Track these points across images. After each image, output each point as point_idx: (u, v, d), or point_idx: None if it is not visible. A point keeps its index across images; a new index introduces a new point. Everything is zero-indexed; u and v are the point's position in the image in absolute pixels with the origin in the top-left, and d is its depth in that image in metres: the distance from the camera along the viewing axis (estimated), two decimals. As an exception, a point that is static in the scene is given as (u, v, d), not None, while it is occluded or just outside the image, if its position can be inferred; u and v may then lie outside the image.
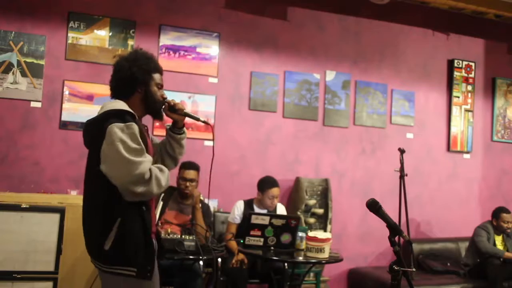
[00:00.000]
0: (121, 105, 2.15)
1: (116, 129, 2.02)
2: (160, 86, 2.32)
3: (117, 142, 2.01)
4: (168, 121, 2.45)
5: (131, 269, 2.04)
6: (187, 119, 2.43)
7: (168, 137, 2.43)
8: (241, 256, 3.91)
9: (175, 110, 2.34)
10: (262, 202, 4.23)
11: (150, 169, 2.06)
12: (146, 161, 2.05)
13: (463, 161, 5.89)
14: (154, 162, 2.30)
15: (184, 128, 2.44)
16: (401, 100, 5.62)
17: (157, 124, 4.50)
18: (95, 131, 2.11)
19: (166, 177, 2.13)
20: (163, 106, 2.32)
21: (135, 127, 2.06)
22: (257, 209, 4.21)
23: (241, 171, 4.68)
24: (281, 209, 4.36)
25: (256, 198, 4.30)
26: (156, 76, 2.30)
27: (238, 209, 4.24)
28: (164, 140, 2.46)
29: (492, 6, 5.47)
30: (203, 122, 2.45)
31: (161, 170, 2.14)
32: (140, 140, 2.07)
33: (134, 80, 2.23)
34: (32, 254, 3.57)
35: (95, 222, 2.13)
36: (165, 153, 2.44)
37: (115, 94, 2.28)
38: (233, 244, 4.00)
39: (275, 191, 4.21)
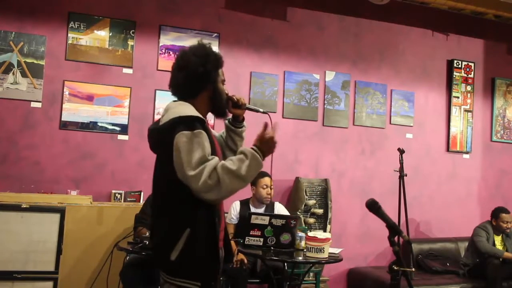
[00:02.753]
0: (189, 110, 2.02)
1: (184, 138, 1.92)
2: (224, 82, 2.23)
3: (184, 151, 1.92)
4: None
5: (196, 283, 1.95)
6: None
7: (229, 131, 2.34)
8: (240, 256, 3.91)
9: (239, 106, 2.26)
10: (257, 196, 4.24)
11: (215, 170, 1.92)
12: (206, 166, 1.91)
13: (463, 161, 5.90)
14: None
15: (244, 122, 2.38)
16: (400, 100, 5.63)
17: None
18: (165, 139, 1.98)
19: (248, 162, 1.96)
20: (228, 103, 2.24)
21: (203, 135, 1.96)
22: (253, 209, 4.22)
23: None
24: (279, 208, 4.37)
25: (252, 197, 4.31)
26: (221, 71, 2.20)
27: (235, 209, 4.24)
28: (224, 134, 2.38)
29: (491, 7, 5.48)
30: (264, 112, 2.37)
31: (237, 160, 1.99)
32: (207, 146, 1.96)
33: (207, 77, 2.11)
34: (32, 254, 3.58)
35: (164, 230, 2.01)
36: (226, 147, 2.36)
37: (181, 92, 2.14)
38: (232, 244, 4.00)
39: (266, 180, 4.20)
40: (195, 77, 2.09)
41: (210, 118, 2.30)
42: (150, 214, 2.21)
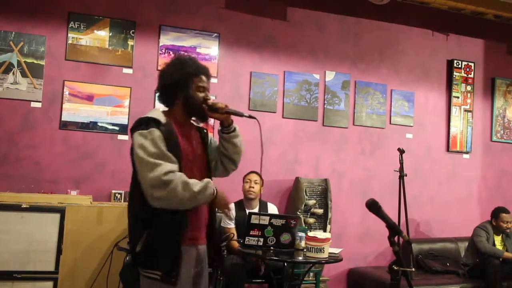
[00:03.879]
0: (153, 112, 2.22)
1: (139, 136, 2.10)
2: (202, 89, 2.30)
3: (137, 148, 2.08)
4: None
5: (157, 273, 2.11)
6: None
7: (220, 139, 2.43)
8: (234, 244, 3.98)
9: (215, 109, 2.31)
10: (243, 191, 4.32)
11: (173, 173, 2.05)
12: (163, 165, 2.04)
13: (463, 161, 5.90)
14: (214, 165, 2.40)
15: (235, 126, 2.41)
16: (400, 100, 5.63)
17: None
18: (132, 138, 2.19)
19: (203, 184, 2.11)
20: (205, 108, 2.31)
21: (155, 133, 2.09)
22: (247, 210, 4.22)
23: (241, 171, 4.67)
24: (272, 209, 4.37)
25: (243, 197, 4.34)
26: (197, 79, 2.29)
27: (230, 213, 4.25)
28: (219, 142, 2.45)
29: (491, 7, 5.48)
30: (248, 116, 2.41)
31: (194, 181, 2.11)
32: (162, 145, 2.09)
33: (175, 86, 2.26)
34: (32, 254, 3.58)
35: (132, 224, 2.22)
36: (221, 154, 2.43)
37: (161, 100, 2.34)
38: (234, 244, 4.01)
39: (251, 175, 4.32)
40: (165, 86, 2.29)
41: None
42: None
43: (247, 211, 4.16)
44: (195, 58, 2.37)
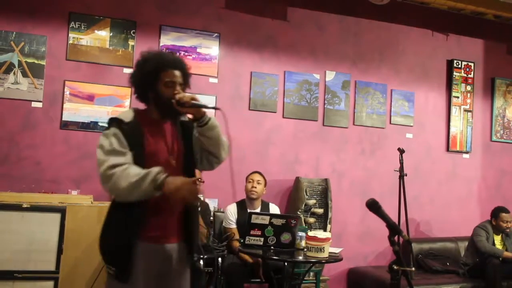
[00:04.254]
0: (122, 112, 2.26)
1: (101, 137, 2.16)
2: (171, 83, 2.23)
3: (98, 147, 2.14)
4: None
5: (112, 268, 2.14)
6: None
7: (198, 133, 2.33)
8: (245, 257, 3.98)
9: (182, 104, 2.21)
10: (245, 191, 4.31)
11: (117, 166, 2.05)
12: (109, 159, 2.07)
13: (463, 161, 5.90)
14: (199, 158, 2.34)
15: (208, 119, 2.26)
16: (400, 100, 5.63)
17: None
18: None
19: (144, 174, 2.02)
20: (174, 104, 2.22)
21: (112, 132, 2.14)
22: (249, 210, 4.23)
23: (241, 171, 4.68)
24: (274, 210, 4.38)
25: (246, 197, 4.34)
26: (165, 74, 2.22)
27: (232, 213, 4.25)
28: (197, 137, 2.36)
29: (491, 7, 5.49)
30: (213, 108, 2.33)
31: (138, 171, 2.06)
32: (118, 143, 2.11)
33: (142, 85, 2.25)
34: (33, 254, 3.58)
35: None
36: (202, 150, 2.35)
37: (138, 99, 2.32)
38: (236, 244, 4.02)
39: (253, 175, 4.33)
40: (136, 86, 2.28)
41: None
42: None
43: (249, 211, 4.17)
44: (163, 53, 2.34)
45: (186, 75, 2.32)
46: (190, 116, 2.28)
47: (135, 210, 2.11)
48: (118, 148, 2.11)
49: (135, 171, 2.04)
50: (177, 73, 2.25)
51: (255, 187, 4.25)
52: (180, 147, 2.31)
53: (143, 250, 2.14)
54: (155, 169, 2.04)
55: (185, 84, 2.32)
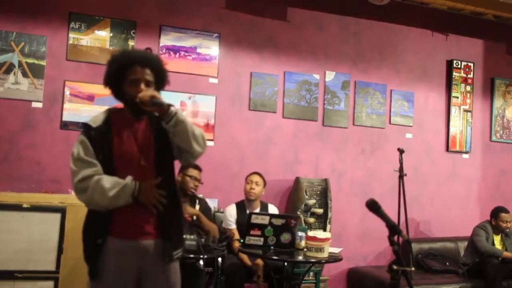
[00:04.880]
0: (93, 116, 2.26)
1: (75, 143, 2.21)
2: (136, 82, 2.15)
3: (71, 153, 2.19)
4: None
5: (88, 265, 2.24)
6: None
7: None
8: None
9: (143, 103, 2.13)
10: (244, 192, 4.29)
11: (90, 179, 2.12)
12: (80, 172, 2.12)
13: (462, 161, 5.91)
14: (176, 153, 2.28)
15: (173, 114, 2.12)
16: (400, 100, 5.64)
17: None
18: None
19: (119, 188, 2.11)
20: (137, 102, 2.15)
21: (79, 138, 2.18)
22: (248, 211, 4.23)
23: (241, 171, 4.69)
24: (273, 211, 4.38)
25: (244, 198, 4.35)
26: (129, 72, 2.16)
27: (231, 214, 4.26)
28: None
29: (490, 7, 5.49)
30: (168, 105, 2.14)
31: (119, 181, 2.13)
32: (84, 150, 2.15)
33: (110, 85, 2.24)
34: (33, 254, 3.58)
35: None
36: (176, 147, 2.27)
37: (117, 100, 2.31)
38: (236, 244, 4.02)
39: (252, 176, 4.31)
40: (106, 85, 2.26)
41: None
42: None
43: (249, 211, 4.18)
44: (131, 50, 2.36)
45: (158, 71, 2.23)
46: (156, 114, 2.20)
47: (94, 214, 2.22)
48: (85, 158, 2.14)
49: (108, 184, 2.10)
50: (144, 70, 2.17)
51: (254, 189, 4.25)
52: (152, 145, 2.25)
53: (116, 247, 2.18)
54: (128, 182, 2.14)
55: (159, 82, 2.24)
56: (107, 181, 2.11)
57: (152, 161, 2.25)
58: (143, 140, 2.25)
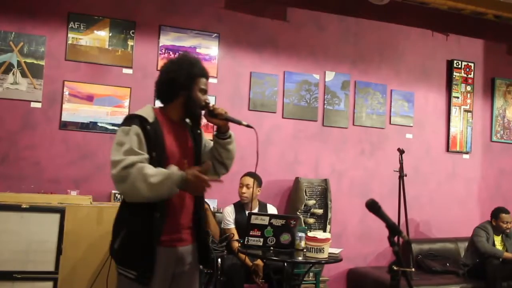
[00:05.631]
0: (142, 110, 2.20)
1: (119, 132, 2.12)
2: (204, 91, 2.30)
3: (115, 143, 2.11)
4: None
5: (132, 272, 2.11)
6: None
7: (215, 143, 2.41)
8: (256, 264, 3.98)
9: (214, 115, 2.30)
10: (238, 194, 4.27)
11: (132, 166, 2.01)
12: (126, 159, 2.02)
13: (463, 162, 5.90)
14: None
15: (230, 132, 2.39)
16: (400, 101, 5.63)
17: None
18: None
19: (163, 175, 2.00)
20: (204, 112, 2.31)
21: (135, 130, 2.08)
22: (246, 211, 4.22)
23: (241, 171, 4.67)
24: (272, 210, 4.37)
25: None
26: (201, 80, 2.28)
27: (229, 214, 4.25)
28: (212, 146, 2.43)
29: (491, 7, 5.48)
30: (246, 125, 2.37)
31: (157, 170, 2.03)
32: (138, 143, 2.08)
33: (177, 84, 2.24)
34: (32, 254, 3.57)
35: (114, 222, 2.26)
36: (214, 158, 2.41)
37: (158, 96, 2.32)
38: (235, 244, 4.01)
39: (245, 179, 4.27)
40: (169, 83, 2.26)
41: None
42: None
43: (246, 212, 4.17)
44: (198, 59, 2.36)
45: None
46: (215, 127, 2.36)
47: (154, 214, 2.11)
48: (136, 150, 2.07)
49: (152, 171, 2.01)
50: (207, 82, 2.34)
51: (245, 192, 4.22)
52: (192, 151, 2.34)
53: (161, 253, 2.15)
54: (174, 169, 2.04)
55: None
56: (150, 168, 2.02)
57: (192, 166, 2.28)
58: (186, 144, 2.31)
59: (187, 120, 2.36)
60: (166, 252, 2.17)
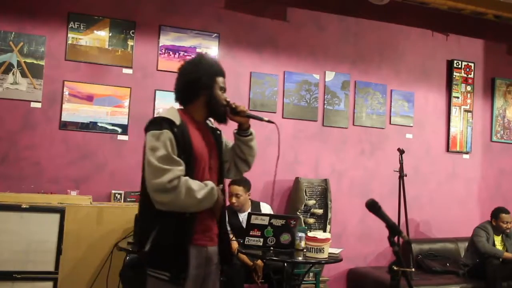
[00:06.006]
0: (167, 112, 2.18)
1: (151, 137, 2.08)
2: (224, 90, 2.33)
3: (147, 149, 2.07)
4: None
5: (165, 274, 2.09)
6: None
7: (236, 141, 2.43)
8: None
9: (237, 112, 2.34)
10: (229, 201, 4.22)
11: (179, 179, 2.03)
12: (169, 171, 2.02)
13: (463, 162, 5.90)
14: (227, 167, 2.41)
15: (251, 130, 2.44)
16: (400, 101, 5.63)
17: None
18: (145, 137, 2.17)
19: (207, 191, 2.11)
20: (226, 109, 2.33)
21: (167, 135, 2.07)
22: (241, 215, 4.20)
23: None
24: (265, 208, 4.35)
25: None
26: (220, 79, 2.31)
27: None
28: (234, 144, 2.45)
29: (491, 7, 5.48)
30: (268, 121, 2.46)
31: (203, 184, 2.12)
32: (172, 147, 2.07)
33: (200, 84, 2.25)
34: (32, 254, 3.57)
35: (142, 223, 2.24)
36: (236, 156, 2.43)
37: (179, 98, 2.30)
38: (235, 245, 4.01)
39: (233, 188, 4.16)
40: (190, 83, 2.25)
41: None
42: None
43: (239, 214, 4.17)
44: (216, 58, 2.40)
45: None
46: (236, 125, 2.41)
47: (187, 215, 2.12)
48: (173, 156, 2.06)
49: (197, 186, 2.08)
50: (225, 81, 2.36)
51: (235, 202, 4.16)
52: (216, 151, 2.36)
53: (194, 253, 2.16)
54: (212, 186, 2.14)
55: None
56: (193, 182, 2.08)
57: (216, 167, 2.33)
58: (211, 144, 2.32)
59: (210, 120, 2.39)
60: (198, 251, 2.18)
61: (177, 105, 2.32)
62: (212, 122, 2.42)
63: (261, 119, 2.44)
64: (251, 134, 2.44)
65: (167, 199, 2.03)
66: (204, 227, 2.22)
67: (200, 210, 2.12)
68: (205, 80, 2.25)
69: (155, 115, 2.22)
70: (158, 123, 2.11)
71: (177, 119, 2.14)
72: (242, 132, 2.42)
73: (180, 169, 2.06)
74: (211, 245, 2.27)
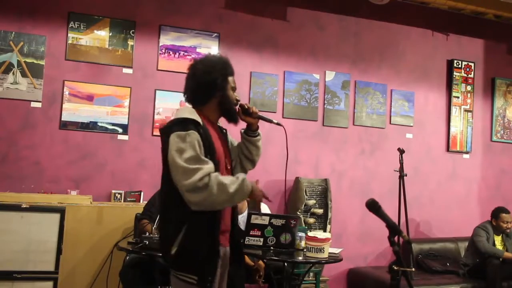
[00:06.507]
0: (187, 112, 2.14)
1: (176, 138, 2.04)
2: (234, 89, 2.35)
3: (174, 151, 2.03)
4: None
5: (193, 277, 2.07)
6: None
7: (244, 140, 2.44)
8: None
9: (249, 113, 2.37)
10: None
11: (208, 176, 2.01)
12: (199, 170, 2.00)
13: (463, 161, 5.90)
14: (233, 165, 2.40)
15: (259, 131, 2.46)
16: (400, 100, 5.63)
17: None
18: (164, 139, 2.13)
19: (239, 183, 2.07)
20: (238, 110, 2.35)
21: (194, 136, 2.05)
22: (239, 216, 4.19)
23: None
24: (263, 208, 4.35)
25: None
26: (231, 79, 2.33)
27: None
28: (240, 143, 2.46)
29: (491, 7, 5.49)
30: (277, 123, 2.49)
31: (234, 177, 2.11)
32: (199, 148, 2.06)
33: (214, 85, 2.24)
34: (32, 254, 3.58)
35: (166, 226, 2.17)
36: (243, 155, 2.44)
37: (192, 100, 2.27)
38: None
39: None
40: (203, 85, 2.23)
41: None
42: (158, 208, 2.29)
43: (238, 216, 4.15)
44: (226, 58, 2.39)
45: None
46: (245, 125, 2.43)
47: (214, 215, 2.10)
48: (201, 157, 2.05)
49: (229, 180, 2.06)
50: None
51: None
52: (228, 151, 2.37)
53: (220, 253, 2.16)
54: (243, 177, 2.11)
55: None
56: (224, 177, 2.05)
57: (230, 167, 2.35)
58: (225, 144, 2.35)
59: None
60: (223, 252, 2.19)
61: (179, 104, 2.34)
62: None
63: (270, 121, 2.48)
64: (259, 134, 2.46)
65: (200, 197, 2.00)
66: (225, 227, 2.23)
67: (234, 204, 2.14)
68: (220, 82, 2.25)
69: (177, 116, 2.13)
70: (183, 123, 2.08)
71: (200, 120, 2.13)
72: (251, 132, 2.43)
73: (209, 166, 2.04)
74: (227, 245, 2.28)
